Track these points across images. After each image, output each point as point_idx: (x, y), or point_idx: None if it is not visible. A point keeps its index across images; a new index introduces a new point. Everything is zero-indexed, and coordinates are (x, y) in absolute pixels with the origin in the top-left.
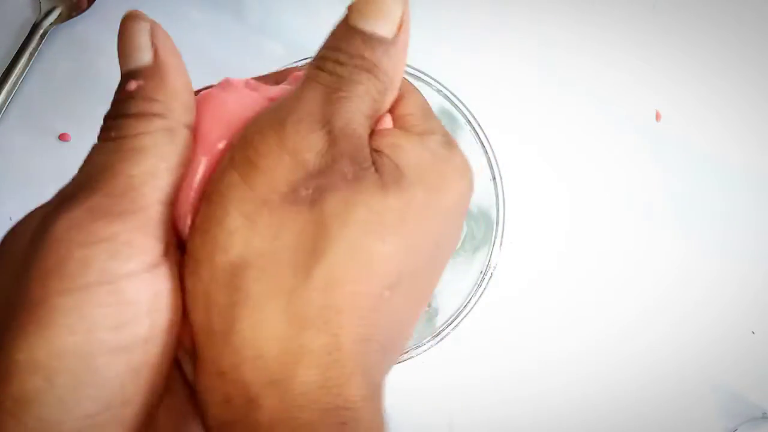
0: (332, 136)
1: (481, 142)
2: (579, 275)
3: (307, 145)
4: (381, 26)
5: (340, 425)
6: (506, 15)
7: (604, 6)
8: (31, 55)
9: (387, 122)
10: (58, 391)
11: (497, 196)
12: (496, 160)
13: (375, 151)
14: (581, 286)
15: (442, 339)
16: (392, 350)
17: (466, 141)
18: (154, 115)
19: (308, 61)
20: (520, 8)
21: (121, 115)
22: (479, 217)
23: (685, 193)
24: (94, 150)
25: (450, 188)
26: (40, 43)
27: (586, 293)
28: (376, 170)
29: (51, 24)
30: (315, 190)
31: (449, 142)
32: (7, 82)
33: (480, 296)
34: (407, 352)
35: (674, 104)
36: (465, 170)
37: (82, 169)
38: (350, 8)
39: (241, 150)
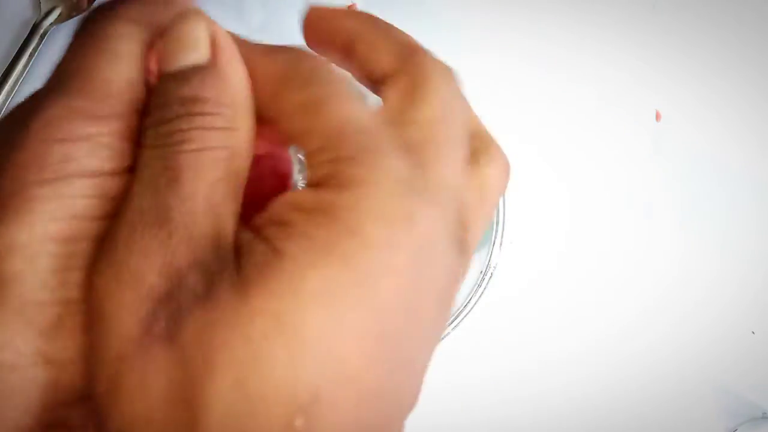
0: (170, 241)
1: None
2: (579, 275)
3: (144, 266)
4: (186, 56)
5: None
6: (506, 15)
7: (604, 6)
8: (31, 55)
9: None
10: (40, 274)
11: None
12: None
13: (255, 232)
14: (581, 286)
15: (442, 339)
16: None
17: None
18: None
19: None
20: (520, 8)
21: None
22: None
23: (685, 192)
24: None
25: (367, 248)
26: (40, 43)
27: (586, 293)
28: (238, 267)
29: (51, 24)
30: (168, 321)
31: (371, 165)
32: (7, 82)
33: (480, 296)
34: None
35: (674, 104)
36: (407, 208)
37: (62, 69)
38: (159, 63)
39: (90, 294)
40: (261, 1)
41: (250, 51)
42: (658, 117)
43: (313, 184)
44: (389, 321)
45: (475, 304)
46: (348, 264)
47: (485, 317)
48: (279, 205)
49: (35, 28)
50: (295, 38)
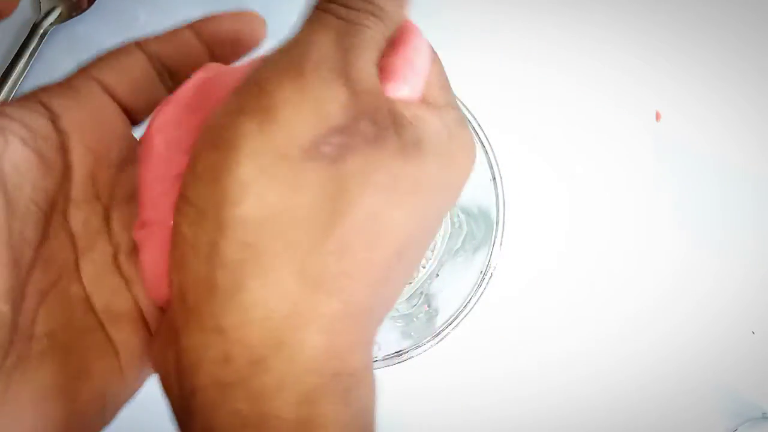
0: (352, 89)
1: (481, 142)
2: (579, 275)
3: (329, 96)
4: None
5: (344, 392)
6: (506, 15)
7: (604, 6)
8: (31, 55)
9: (404, 87)
10: None
11: (497, 196)
12: (496, 160)
13: (398, 115)
14: (581, 286)
15: (442, 339)
16: (381, 322)
17: None
18: None
19: None
20: (521, 8)
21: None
22: (479, 217)
23: (685, 193)
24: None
25: (459, 165)
26: (40, 43)
27: (586, 293)
28: (397, 134)
29: (51, 24)
30: (337, 148)
31: (461, 119)
32: (7, 82)
33: (480, 296)
34: (407, 352)
35: (674, 104)
36: (472, 150)
37: None
38: None
39: (254, 98)
40: (261, 1)
41: None
42: (658, 117)
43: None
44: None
45: (475, 304)
46: (452, 165)
47: (485, 317)
48: (414, 106)
49: (35, 28)
50: None
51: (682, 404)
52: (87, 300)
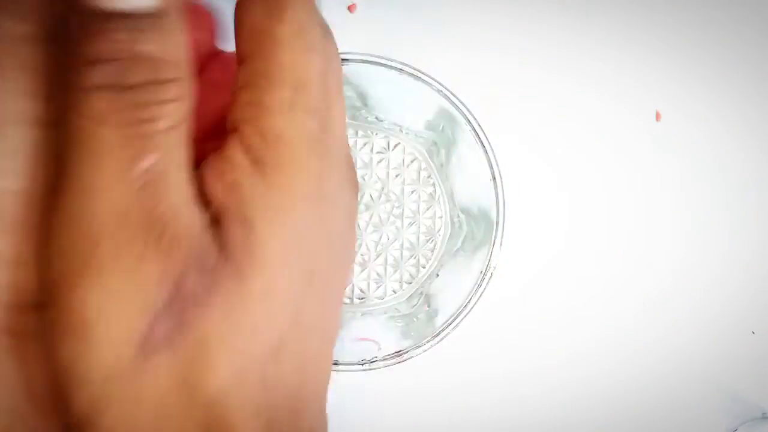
0: (162, 245)
1: (481, 142)
2: (579, 275)
3: (141, 278)
4: None
5: None
6: (506, 15)
7: (604, 6)
8: None
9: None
10: None
11: (497, 196)
12: (496, 160)
13: (217, 210)
14: (581, 286)
15: (442, 339)
16: (312, 386)
17: (466, 141)
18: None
19: None
20: (521, 8)
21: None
22: (479, 217)
23: (685, 193)
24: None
25: (332, 209)
26: None
27: (586, 293)
28: (226, 256)
29: None
30: (169, 328)
31: (293, 122)
32: None
33: (480, 296)
34: (407, 352)
35: (674, 104)
36: (347, 167)
37: None
38: None
39: (64, 311)
40: None
41: None
42: (658, 117)
43: (234, 128)
44: (319, 269)
45: (475, 304)
46: (291, 223)
47: (485, 317)
48: (221, 162)
49: None
50: None
51: (682, 404)
52: None
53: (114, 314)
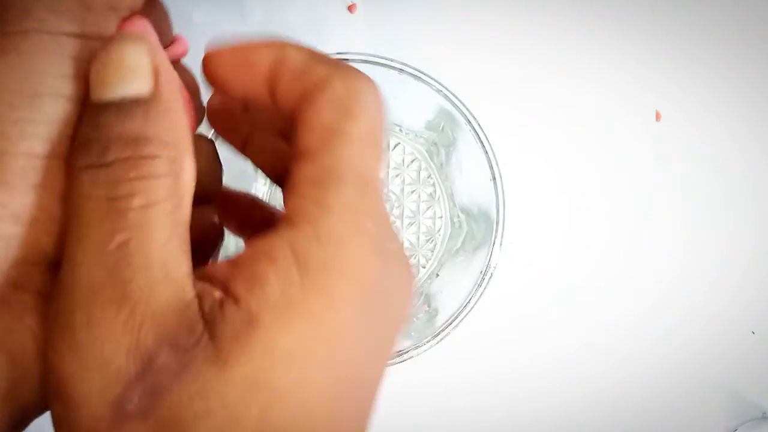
0: (133, 320)
1: (481, 142)
2: (579, 275)
3: (110, 350)
4: (128, 86)
5: None
6: (506, 15)
7: (604, 6)
8: None
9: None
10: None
11: (497, 196)
12: (496, 160)
13: (222, 294)
14: (581, 286)
15: (442, 339)
16: None
17: (466, 141)
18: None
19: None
20: (521, 8)
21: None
22: (479, 217)
23: (685, 193)
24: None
25: (342, 307)
26: None
27: (586, 293)
28: (211, 336)
29: None
30: (141, 399)
31: (357, 225)
32: None
33: (480, 296)
34: (407, 352)
35: (674, 104)
36: (404, 264)
37: None
38: (90, 85)
39: (49, 374)
40: (261, 0)
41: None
42: (658, 117)
43: (288, 221)
44: (353, 368)
45: (475, 304)
46: (318, 324)
47: (485, 317)
48: (248, 256)
49: None
50: (294, 37)
51: (682, 404)
52: None
53: (88, 378)
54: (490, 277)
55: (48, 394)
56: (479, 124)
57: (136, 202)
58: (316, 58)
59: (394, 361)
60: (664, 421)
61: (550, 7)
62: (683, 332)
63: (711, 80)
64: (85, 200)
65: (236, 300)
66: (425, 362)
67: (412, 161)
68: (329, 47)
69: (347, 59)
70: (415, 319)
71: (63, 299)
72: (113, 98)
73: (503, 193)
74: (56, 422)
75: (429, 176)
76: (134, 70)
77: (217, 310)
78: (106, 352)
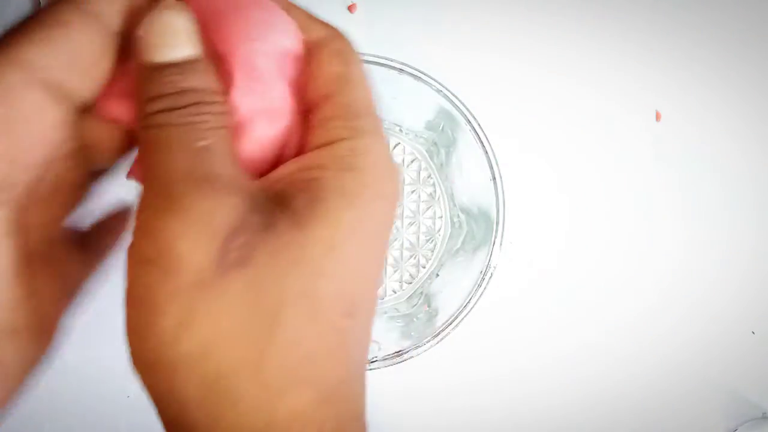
0: (225, 185)
1: (481, 142)
2: (579, 275)
3: (212, 211)
4: (183, 49)
5: None
6: (506, 15)
7: (604, 6)
8: None
9: (250, 99)
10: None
11: (497, 196)
12: (496, 160)
13: (284, 187)
14: (581, 286)
15: (442, 339)
16: (364, 376)
17: (466, 141)
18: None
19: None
20: (521, 8)
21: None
22: (479, 217)
23: (685, 192)
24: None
25: (377, 198)
26: None
27: (586, 293)
28: (286, 209)
29: None
30: (239, 251)
31: (376, 142)
32: None
33: (480, 296)
34: (407, 352)
35: (674, 104)
36: (392, 171)
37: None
38: (139, 46)
39: (148, 244)
40: None
41: (299, 15)
42: (658, 117)
43: (326, 144)
44: (384, 250)
45: (475, 304)
46: (368, 208)
47: (485, 317)
48: (296, 168)
49: None
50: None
51: (682, 404)
52: None
53: (194, 234)
54: (490, 277)
55: (135, 265)
56: (479, 124)
57: (211, 123)
58: (311, 17)
59: (393, 361)
60: (664, 421)
61: (550, 7)
62: (683, 332)
63: (711, 80)
64: (164, 128)
65: (302, 189)
66: (425, 362)
67: (412, 161)
68: None
69: None
70: (415, 319)
71: (158, 181)
72: (173, 59)
73: (503, 193)
74: (150, 289)
75: (429, 176)
76: (186, 35)
77: (288, 191)
78: (206, 213)
